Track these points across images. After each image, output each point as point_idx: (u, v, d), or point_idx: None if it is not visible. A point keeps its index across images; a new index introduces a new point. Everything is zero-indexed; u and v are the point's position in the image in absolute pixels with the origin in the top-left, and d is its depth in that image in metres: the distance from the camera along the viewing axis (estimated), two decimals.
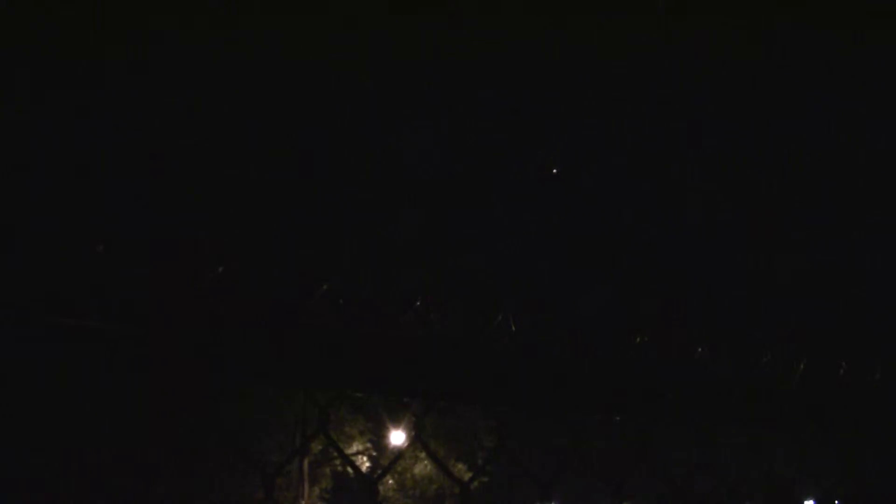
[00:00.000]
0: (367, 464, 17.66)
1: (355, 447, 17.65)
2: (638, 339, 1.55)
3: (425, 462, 17.80)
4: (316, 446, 17.01)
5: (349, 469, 17.93)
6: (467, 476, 17.31)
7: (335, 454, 17.84)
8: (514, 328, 1.33)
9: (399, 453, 16.94)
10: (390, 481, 17.44)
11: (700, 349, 1.62)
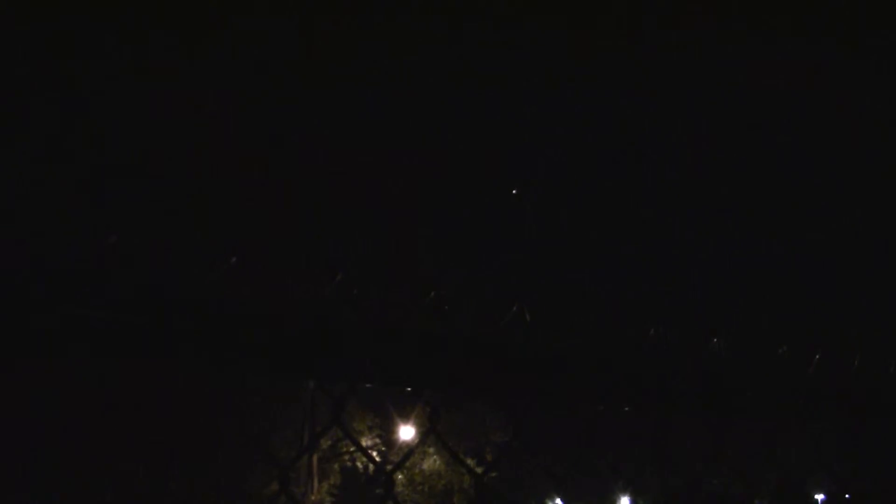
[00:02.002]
0: (377, 459, 17.67)
1: (364, 443, 17.66)
2: (652, 331, 1.53)
3: (434, 457, 17.80)
4: (325, 441, 17.03)
5: (358, 465, 17.96)
6: (477, 471, 17.23)
7: (343, 450, 17.86)
8: (528, 320, 1.32)
9: (414, 447, 16.94)
10: (399, 476, 17.45)
11: (714, 340, 1.61)
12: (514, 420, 1.60)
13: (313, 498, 16.92)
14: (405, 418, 17.02)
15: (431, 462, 18.03)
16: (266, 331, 1.25)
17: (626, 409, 1.65)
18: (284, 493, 1.30)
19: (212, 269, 1.25)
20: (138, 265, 1.24)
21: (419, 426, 16.57)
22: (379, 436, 17.96)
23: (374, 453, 17.79)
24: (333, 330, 1.26)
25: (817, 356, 1.89)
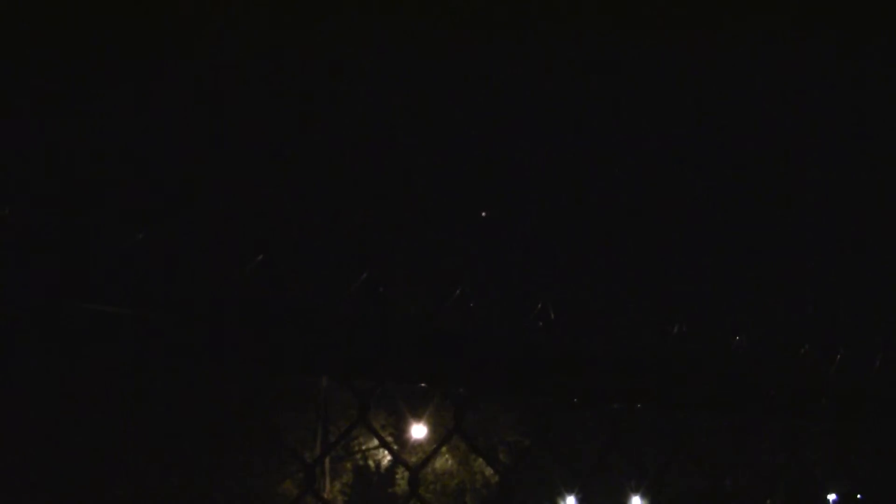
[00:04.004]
0: (389, 457, 17.71)
1: (376, 441, 17.70)
2: (675, 329, 1.53)
3: (446, 457, 17.79)
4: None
5: (370, 463, 17.97)
6: (488, 471, 17.32)
7: (356, 449, 17.89)
8: (552, 317, 1.32)
9: (438, 446, 16.93)
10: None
11: (737, 338, 1.61)
12: (536, 419, 1.60)
13: (325, 497, 16.95)
14: (417, 417, 17.03)
15: (443, 461, 18.04)
16: (291, 329, 1.25)
17: (639, 406, 1.64)
18: (310, 493, 1.30)
19: (237, 267, 1.26)
20: (162, 263, 1.24)
21: (432, 425, 16.57)
22: (392, 434, 17.98)
23: (386, 452, 17.82)
24: (358, 328, 1.26)
25: (839, 356, 1.88)
